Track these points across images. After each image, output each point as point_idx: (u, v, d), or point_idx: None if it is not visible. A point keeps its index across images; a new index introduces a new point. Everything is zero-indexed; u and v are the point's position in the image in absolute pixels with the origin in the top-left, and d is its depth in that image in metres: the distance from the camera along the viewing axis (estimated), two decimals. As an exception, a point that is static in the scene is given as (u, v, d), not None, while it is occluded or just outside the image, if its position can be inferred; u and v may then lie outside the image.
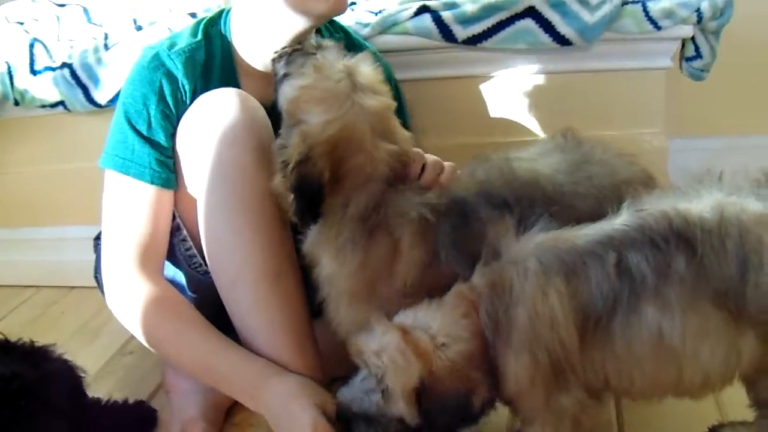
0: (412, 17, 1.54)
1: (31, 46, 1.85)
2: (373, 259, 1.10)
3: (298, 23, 1.22)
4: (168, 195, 1.28)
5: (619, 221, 0.94)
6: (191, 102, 1.25)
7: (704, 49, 1.59)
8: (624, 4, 1.50)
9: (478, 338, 0.96)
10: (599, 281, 0.90)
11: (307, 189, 1.06)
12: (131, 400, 1.43)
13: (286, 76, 1.13)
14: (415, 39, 1.54)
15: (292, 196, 1.06)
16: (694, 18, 1.49)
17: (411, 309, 1.01)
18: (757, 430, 1.08)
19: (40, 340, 1.43)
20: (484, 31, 1.51)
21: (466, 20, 1.51)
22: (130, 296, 1.25)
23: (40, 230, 2.02)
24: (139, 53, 1.34)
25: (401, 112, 1.41)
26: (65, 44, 1.84)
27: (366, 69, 1.10)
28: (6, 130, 1.92)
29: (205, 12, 1.73)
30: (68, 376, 1.24)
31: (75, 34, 1.93)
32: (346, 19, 1.56)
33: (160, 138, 1.25)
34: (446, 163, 1.18)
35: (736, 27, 1.60)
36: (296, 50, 1.14)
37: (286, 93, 1.12)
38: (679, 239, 0.89)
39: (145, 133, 1.25)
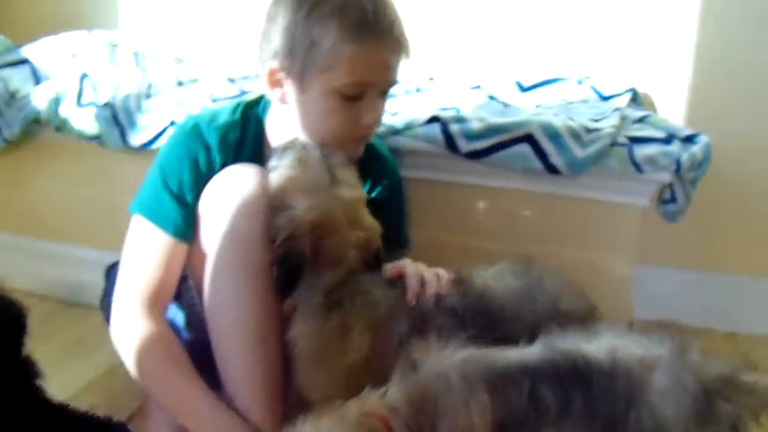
0: (423, 124, 1.67)
1: (81, 79, 2.01)
2: (326, 330, 1.24)
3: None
4: (183, 248, 1.41)
5: (534, 352, 1.03)
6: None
7: (679, 195, 1.71)
8: (613, 144, 1.61)
9: None
10: (514, 403, 0.99)
11: (290, 262, 1.23)
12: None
13: (276, 168, 1.32)
14: (424, 144, 1.67)
15: (274, 267, 1.24)
16: (673, 167, 1.60)
17: (318, 419, 1.02)
18: None
19: (34, 349, 1.56)
20: (485, 148, 1.63)
21: (471, 136, 1.64)
22: (130, 329, 1.37)
23: (55, 245, 2.15)
24: (183, 119, 1.50)
25: (401, 204, 1.57)
26: (112, 84, 1.99)
27: (343, 166, 1.30)
28: (43, 150, 2.08)
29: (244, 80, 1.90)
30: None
31: (122, 75, 2.10)
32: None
33: (188, 198, 1.38)
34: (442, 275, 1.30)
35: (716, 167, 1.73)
36: (288, 148, 1.34)
37: (276, 180, 1.31)
38: (579, 378, 1.00)
39: (175, 191, 1.38)
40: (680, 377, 1.00)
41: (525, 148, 1.62)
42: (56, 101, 1.96)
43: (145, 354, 1.37)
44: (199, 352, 1.39)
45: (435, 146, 1.67)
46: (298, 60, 1.32)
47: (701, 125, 1.81)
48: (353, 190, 1.31)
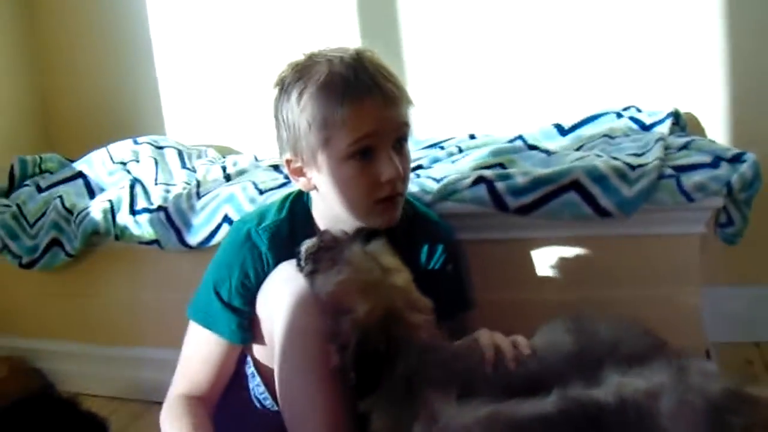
0: (469, 187, 1.69)
1: (132, 187, 2.08)
2: (408, 417, 1.22)
3: (362, 224, 1.43)
4: (237, 348, 1.49)
5: (549, 402, 1.05)
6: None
7: (735, 217, 1.71)
8: (660, 178, 1.60)
9: None
10: None
11: (368, 364, 1.22)
12: None
13: (315, 272, 1.33)
14: (472, 206, 1.68)
15: (353, 373, 1.22)
16: (724, 190, 1.59)
17: None
18: None
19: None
20: (533, 201, 1.64)
21: (517, 191, 1.64)
22: (173, 418, 1.46)
23: (126, 349, 2.21)
24: (233, 225, 1.56)
25: (460, 271, 1.56)
26: (162, 188, 2.06)
27: (385, 253, 1.31)
28: (104, 259, 2.14)
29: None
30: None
31: (170, 177, 2.17)
32: (411, 186, 1.73)
33: (237, 304, 1.44)
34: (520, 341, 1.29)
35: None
36: (320, 248, 1.35)
37: (325, 287, 1.31)
38: (593, 424, 1.02)
39: (225, 299, 1.45)
40: (686, 398, 1.01)
41: (573, 196, 1.63)
42: (111, 211, 2.03)
43: (170, 416, 1.47)
44: None
45: (484, 207, 1.68)
46: (304, 144, 1.38)
47: (748, 140, 1.80)
48: (401, 273, 1.32)
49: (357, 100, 1.34)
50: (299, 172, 1.44)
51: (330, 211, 1.46)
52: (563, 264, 1.73)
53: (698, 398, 1.02)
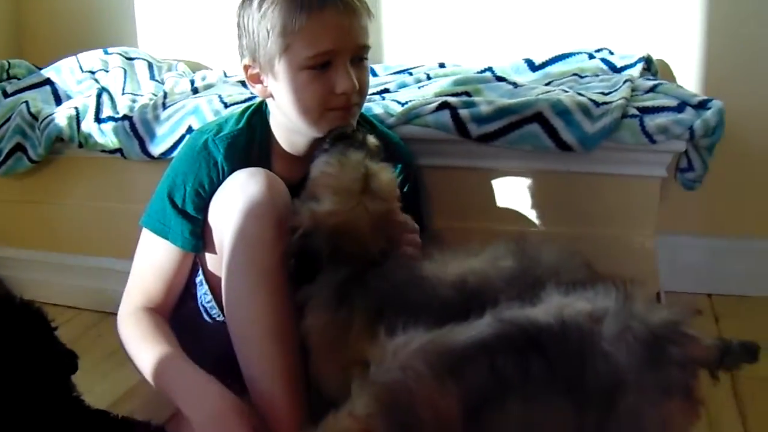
0: (433, 112, 1.68)
1: (99, 95, 2.07)
2: (335, 324, 1.24)
3: (314, 132, 1.43)
4: (190, 257, 1.49)
5: (486, 326, 1.04)
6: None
7: (696, 163, 1.71)
8: (624, 117, 1.60)
9: None
10: (476, 381, 1.02)
11: (305, 258, 1.25)
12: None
13: (325, 151, 1.35)
14: (435, 131, 1.68)
15: (293, 260, 1.26)
16: (687, 135, 1.60)
17: None
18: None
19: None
20: (495, 130, 1.63)
21: (480, 119, 1.64)
22: (131, 325, 1.47)
23: (87, 258, 2.20)
24: (191, 134, 1.54)
25: (418, 194, 1.59)
26: (128, 98, 2.05)
27: (383, 176, 1.31)
28: (68, 167, 2.14)
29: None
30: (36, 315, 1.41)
31: (138, 88, 2.15)
32: (376, 108, 1.74)
33: (191, 210, 1.44)
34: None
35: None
36: (345, 136, 1.36)
37: (314, 169, 1.33)
38: (533, 345, 1.02)
39: (179, 205, 1.44)
40: (628, 324, 1.03)
41: (535, 128, 1.62)
42: (76, 118, 2.02)
43: (135, 330, 1.46)
44: (218, 358, 1.43)
45: (446, 132, 1.68)
46: (262, 51, 1.38)
47: (718, 90, 1.80)
48: (384, 203, 1.31)
49: (317, 8, 1.33)
50: (256, 79, 1.44)
51: (287, 122, 1.46)
52: (521, 197, 1.73)
53: (641, 325, 1.03)
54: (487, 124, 1.65)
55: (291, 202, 1.36)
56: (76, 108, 2.03)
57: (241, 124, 1.49)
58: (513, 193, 1.74)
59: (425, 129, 1.70)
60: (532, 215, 1.73)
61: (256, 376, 1.36)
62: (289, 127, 1.46)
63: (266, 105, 1.51)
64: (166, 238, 1.47)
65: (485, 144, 1.67)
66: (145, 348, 1.43)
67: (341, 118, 1.41)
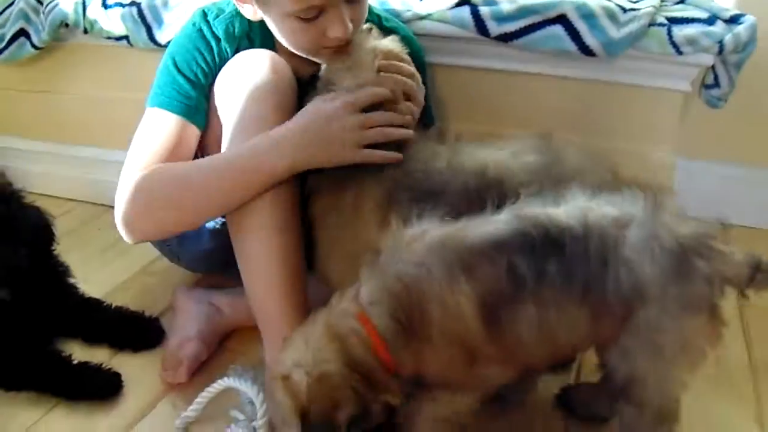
0: (452, 7, 1.62)
1: (107, -20, 2.00)
2: (341, 207, 1.23)
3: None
4: (194, 131, 1.40)
5: (504, 223, 1.01)
6: None
7: (723, 79, 1.64)
8: (651, 25, 1.54)
9: (368, 349, 1.01)
10: (492, 280, 0.99)
11: None
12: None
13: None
14: (451, 28, 1.61)
15: None
16: (716, 48, 1.53)
17: (294, 347, 1.05)
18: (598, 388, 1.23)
19: (74, 252, 1.62)
20: (516, 30, 1.57)
21: (501, 18, 1.58)
22: (130, 184, 1.32)
23: (89, 149, 2.17)
24: (193, 12, 1.46)
25: (426, 85, 1.51)
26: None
27: (390, 45, 1.29)
28: (72, 55, 2.07)
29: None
30: (35, 214, 1.45)
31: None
32: (392, 2, 1.66)
33: (202, 80, 1.39)
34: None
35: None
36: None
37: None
38: (552, 246, 0.98)
39: (188, 74, 1.39)
40: (655, 233, 0.99)
41: (558, 29, 1.56)
42: (83, 4, 1.95)
43: (153, 179, 1.32)
44: (219, 257, 1.42)
45: (464, 30, 1.61)
46: None
47: (751, 8, 1.72)
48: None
49: None
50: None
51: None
52: (538, 102, 1.68)
53: (669, 235, 0.99)
54: (508, 23, 1.58)
55: (296, 91, 1.32)
56: (82, -8, 1.96)
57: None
58: (529, 98, 1.68)
59: (441, 25, 1.63)
60: (547, 122, 1.67)
61: (254, 275, 1.31)
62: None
63: None
64: (166, 108, 1.38)
65: (504, 44, 1.61)
66: (187, 174, 1.32)
67: (338, 53, 1.33)
